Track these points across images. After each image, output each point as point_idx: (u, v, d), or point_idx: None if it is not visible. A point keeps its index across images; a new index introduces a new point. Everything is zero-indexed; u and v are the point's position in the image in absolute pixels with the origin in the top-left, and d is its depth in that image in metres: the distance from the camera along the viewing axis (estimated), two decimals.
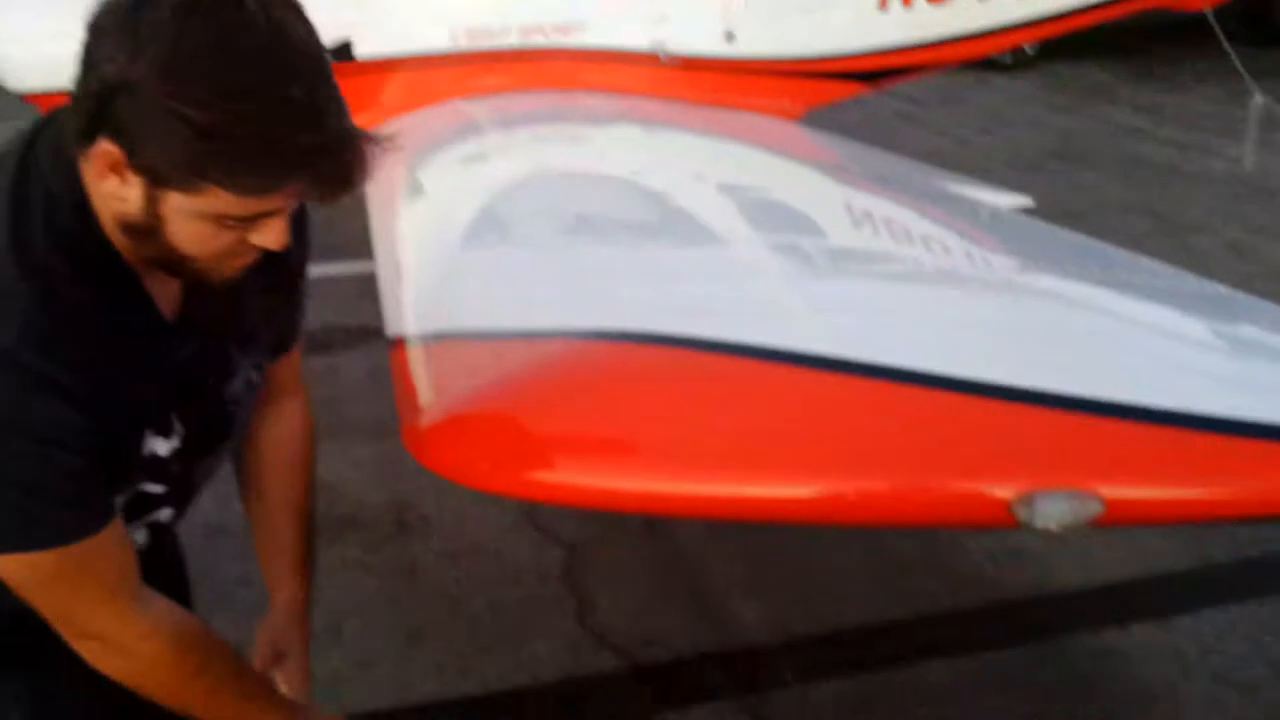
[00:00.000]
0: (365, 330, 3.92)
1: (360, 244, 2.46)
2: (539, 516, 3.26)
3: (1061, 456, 1.24)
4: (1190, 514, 1.31)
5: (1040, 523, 1.17)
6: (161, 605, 1.22)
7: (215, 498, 1.49)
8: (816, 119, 3.66)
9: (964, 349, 1.43)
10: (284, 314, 1.38)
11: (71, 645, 1.19)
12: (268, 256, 1.13)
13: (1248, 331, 1.75)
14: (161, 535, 1.32)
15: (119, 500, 1.17)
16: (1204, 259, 4.96)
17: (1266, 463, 1.24)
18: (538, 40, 3.17)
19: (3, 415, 1.02)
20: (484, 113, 2.71)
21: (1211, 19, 4.78)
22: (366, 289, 2.40)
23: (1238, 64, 4.65)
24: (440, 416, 1.33)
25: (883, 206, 2.11)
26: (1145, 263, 1.97)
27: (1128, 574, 3.08)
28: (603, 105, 2.96)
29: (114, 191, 1.02)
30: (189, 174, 0.99)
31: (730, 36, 3.35)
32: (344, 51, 3.13)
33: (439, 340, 1.47)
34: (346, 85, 1.03)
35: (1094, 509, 1.17)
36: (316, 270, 1.43)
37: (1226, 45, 4.77)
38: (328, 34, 1.05)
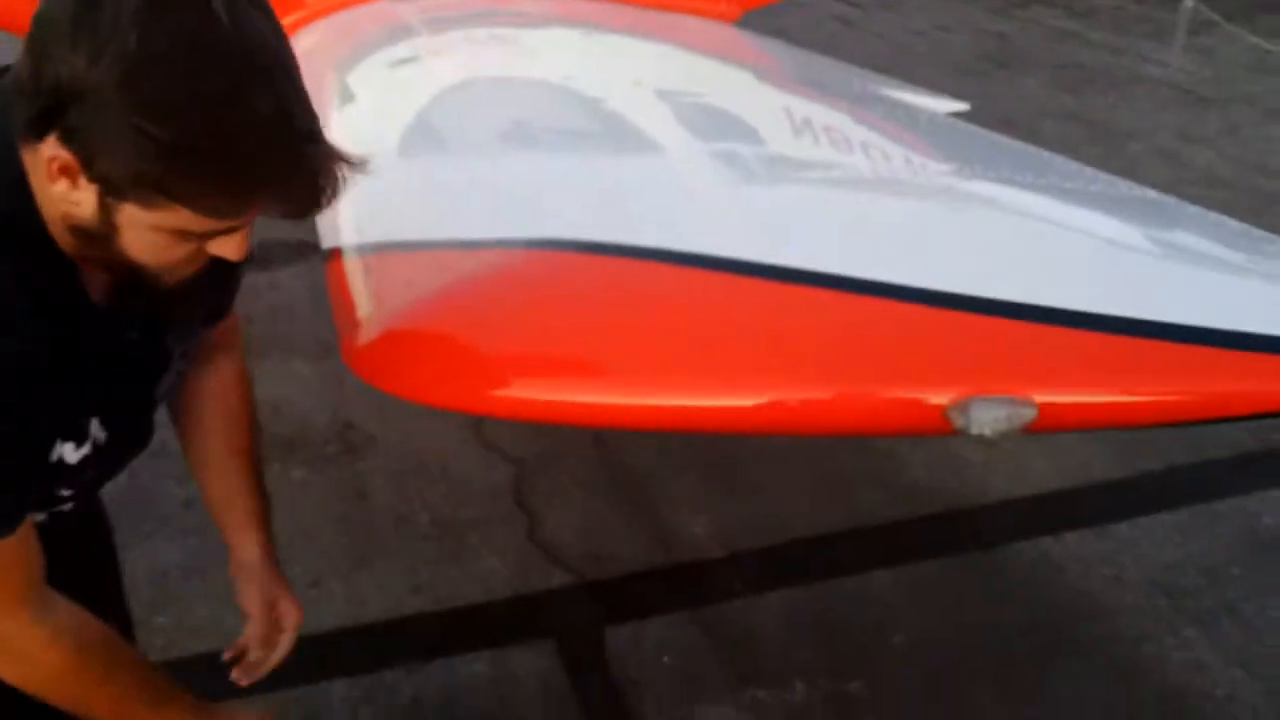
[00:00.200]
0: (305, 246, 3.84)
1: None
2: (487, 434, 3.26)
3: (996, 362, 1.25)
4: (1122, 419, 1.33)
5: (975, 429, 1.18)
6: (64, 611, 1.17)
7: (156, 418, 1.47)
8: (753, 22, 3.60)
9: (901, 255, 1.43)
10: (223, 291, 1.33)
11: None
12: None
13: (1181, 237, 1.77)
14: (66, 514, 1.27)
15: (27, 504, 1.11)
16: (1135, 165, 5.02)
17: (1198, 368, 1.26)
18: None
19: None
20: (414, 13, 2.63)
21: None
22: None
23: None
24: (379, 330, 1.31)
25: (821, 112, 2.10)
26: (1079, 168, 1.98)
27: (1062, 484, 3.16)
28: (536, 7, 2.89)
29: (64, 195, 0.96)
30: (150, 190, 0.93)
31: None
32: None
33: (376, 252, 1.44)
34: None
35: (1028, 415, 1.18)
36: None
37: None
38: None
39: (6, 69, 1.06)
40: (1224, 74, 6.34)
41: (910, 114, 2.42)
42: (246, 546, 1.48)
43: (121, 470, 1.29)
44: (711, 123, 2.06)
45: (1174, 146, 5.39)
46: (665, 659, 2.50)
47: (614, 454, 3.23)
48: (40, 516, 1.20)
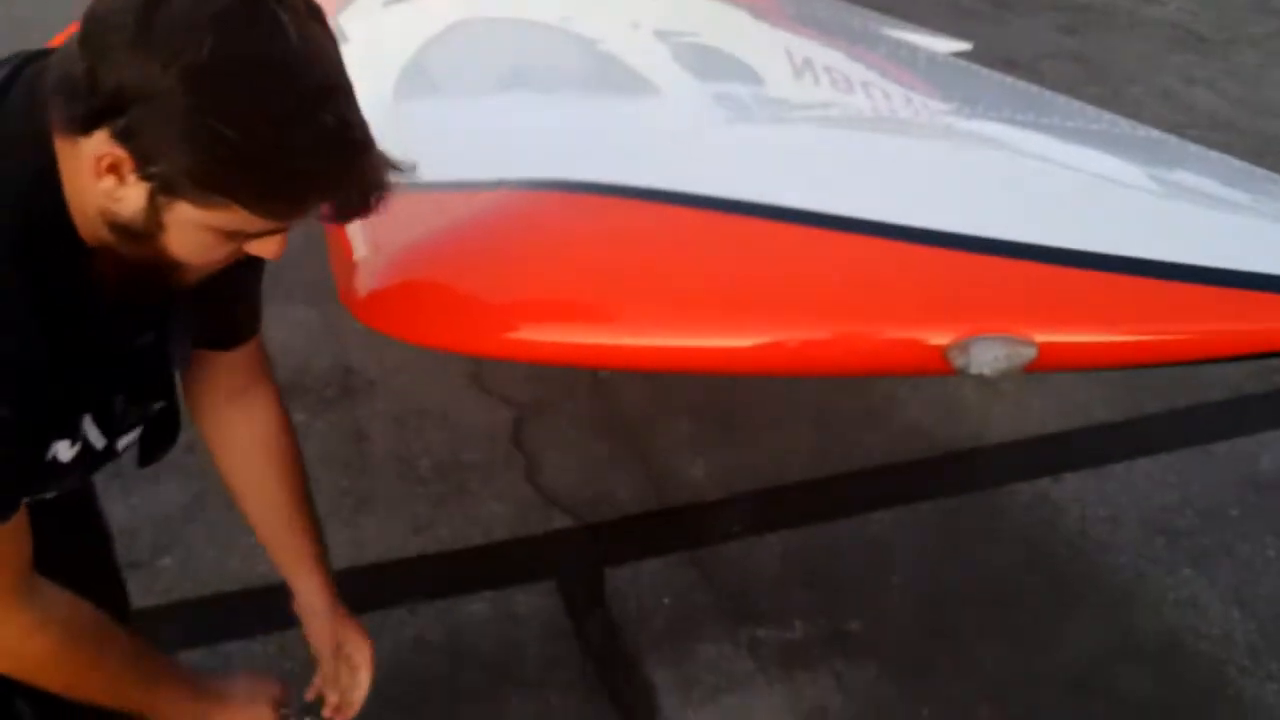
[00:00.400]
0: None
1: None
2: (486, 379, 3.26)
3: (996, 302, 1.24)
4: (1123, 359, 1.32)
5: (975, 369, 1.18)
6: (51, 597, 1.16)
7: None
8: None
9: (900, 195, 1.42)
10: (234, 308, 1.34)
11: None
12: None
13: (1182, 176, 1.75)
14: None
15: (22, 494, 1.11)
16: (1137, 106, 4.97)
17: (1199, 307, 1.26)
18: None
19: None
20: None
21: None
22: None
23: None
24: (376, 273, 1.31)
25: (821, 52, 2.07)
26: (1081, 107, 1.96)
27: (1061, 425, 3.17)
28: None
29: (109, 191, 0.97)
30: (211, 191, 0.95)
31: None
32: None
33: None
34: None
35: (1028, 354, 1.18)
36: None
37: None
38: None
39: (34, 56, 1.05)
40: (1226, 15, 6.26)
41: (911, 53, 2.39)
42: (307, 591, 1.49)
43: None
44: (710, 63, 2.04)
45: (1175, 88, 5.33)
46: (664, 599, 2.53)
47: (611, 398, 3.24)
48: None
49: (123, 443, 1.25)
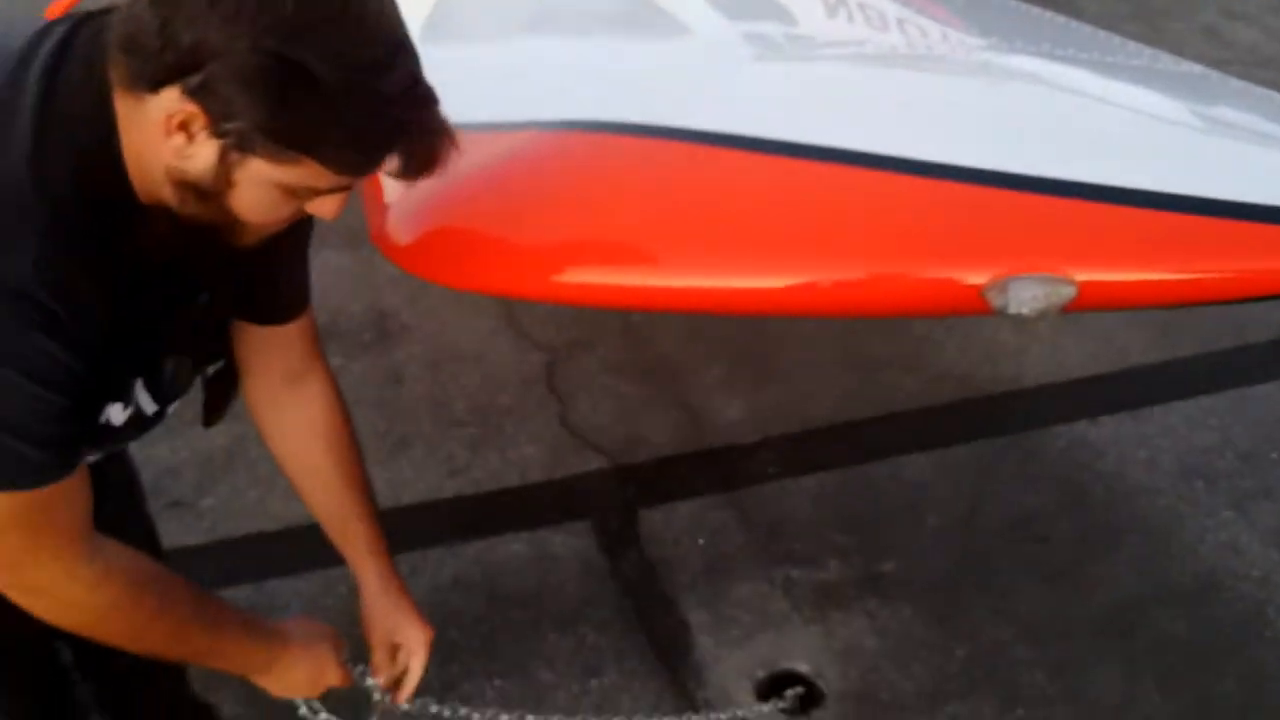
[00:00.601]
0: None
1: None
2: (519, 322, 3.27)
3: (1036, 240, 1.22)
4: (1164, 297, 1.30)
5: (1014, 308, 1.16)
6: (112, 550, 1.16)
7: None
8: None
9: (937, 132, 1.39)
10: (285, 276, 1.33)
11: (13, 599, 1.13)
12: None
13: (1224, 112, 1.71)
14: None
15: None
16: (1178, 43, 4.84)
17: (1242, 243, 1.23)
18: None
19: (9, 349, 0.97)
20: None
21: None
22: None
23: None
24: (408, 214, 1.31)
25: None
26: (1121, 42, 1.92)
27: (1099, 368, 3.14)
28: None
29: (178, 148, 0.97)
30: (287, 146, 0.95)
31: None
32: None
33: None
34: None
35: (1068, 293, 1.16)
36: None
37: None
38: None
39: (92, 15, 1.05)
40: None
41: None
42: (365, 578, 1.49)
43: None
44: (741, 2, 2.00)
45: (1217, 24, 5.18)
46: (699, 540, 2.54)
47: (644, 341, 3.24)
48: None
49: (172, 408, 1.26)
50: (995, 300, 1.17)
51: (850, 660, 2.25)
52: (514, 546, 2.52)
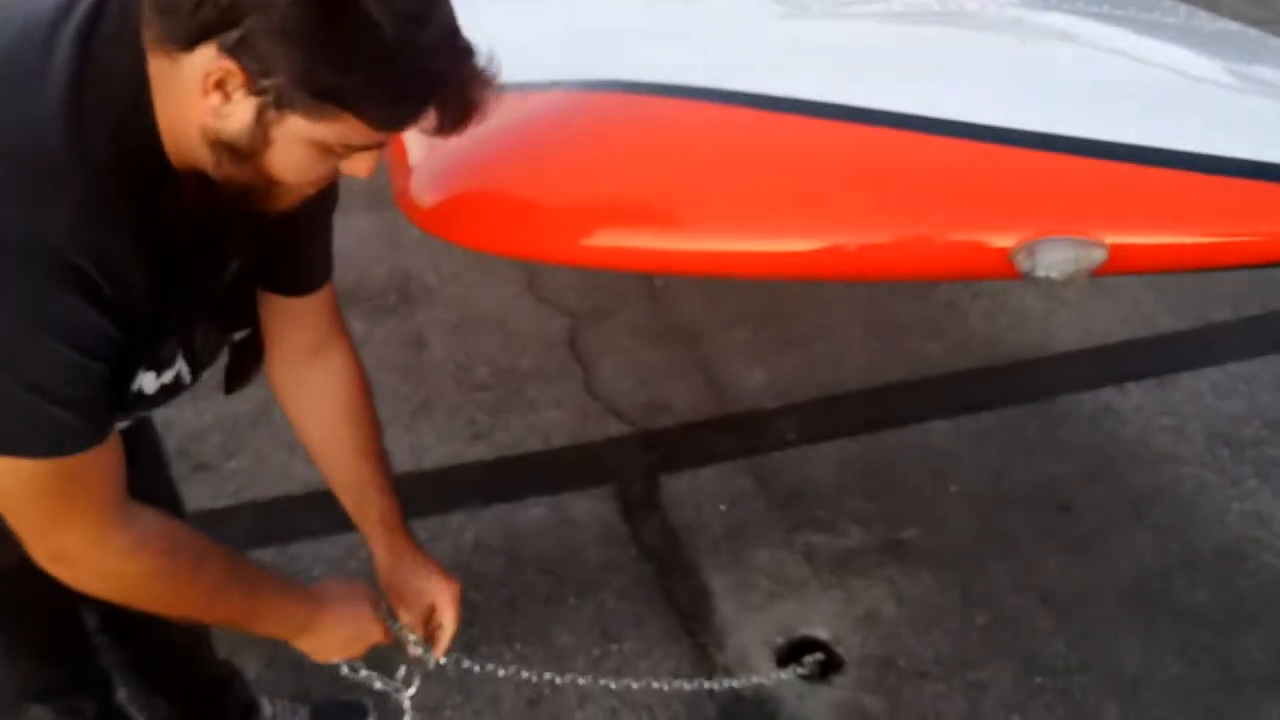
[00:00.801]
0: None
1: None
2: (542, 286, 3.27)
3: (1065, 202, 1.20)
4: (1195, 261, 1.27)
5: (1042, 272, 1.14)
6: (145, 517, 1.15)
7: None
8: None
9: (966, 91, 1.36)
10: (309, 245, 1.32)
11: (42, 565, 1.11)
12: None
13: (1264, 71, 1.67)
14: None
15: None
16: (1215, 1, 4.76)
17: (1276, 206, 1.21)
18: None
19: (39, 313, 0.96)
20: None
21: None
22: None
23: None
24: (432, 176, 1.30)
25: None
26: (1158, 0, 1.88)
27: (1127, 335, 3.11)
28: None
29: (214, 108, 0.96)
30: (326, 101, 0.94)
31: None
32: None
33: None
34: None
35: (1098, 256, 1.14)
36: None
37: None
38: None
39: None
40: None
41: None
42: (382, 550, 1.47)
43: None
44: None
45: None
46: (720, 506, 2.54)
47: (668, 306, 3.23)
48: None
49: (202, 375, 1.26)
50: (1023, 264, 1.15)
51: (870, 627, 2.25)
52: (535, 511, 2.53)
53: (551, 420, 2.81)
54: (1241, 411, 2.80)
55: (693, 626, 2.26)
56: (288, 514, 2.52)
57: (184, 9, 0.92)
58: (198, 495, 2.47)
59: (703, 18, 1.69)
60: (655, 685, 1.80)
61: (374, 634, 1.38)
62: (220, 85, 0.94)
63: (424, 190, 1.33)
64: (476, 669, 1.56)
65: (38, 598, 1.36)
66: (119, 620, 1.59)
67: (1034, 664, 2.17)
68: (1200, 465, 2.63)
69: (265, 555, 2.34)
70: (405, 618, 1.46)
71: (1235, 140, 1.26)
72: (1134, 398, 2.85)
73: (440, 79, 0.97)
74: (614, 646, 2.22)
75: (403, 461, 2.65)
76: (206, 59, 0.93)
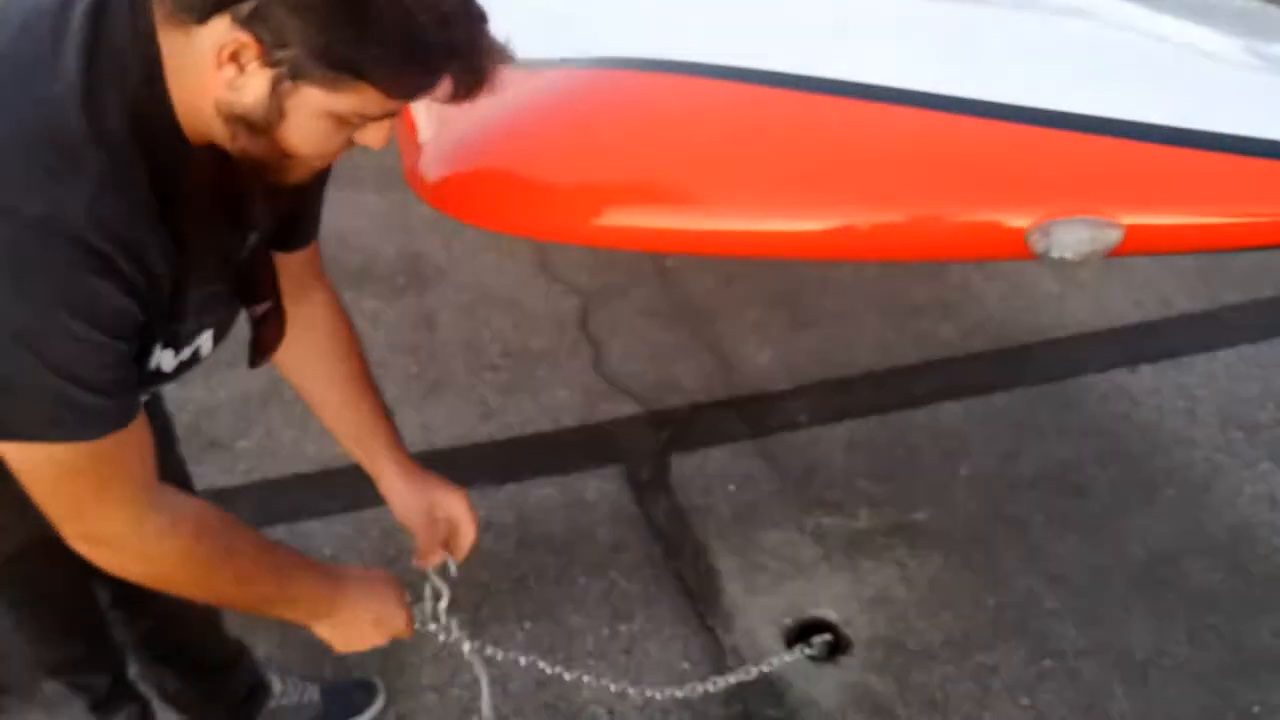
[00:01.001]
0: None
1: None
2: (553, 266, 3.26)
3: (1081, 182, 1.18)
4: (1212, 242, 1.26)
5: (1057, 252, 1.13)
6: (177, 499, 1.17)
7: None
8: None
9: (980, 68, 1.35)
10: (307, 208, 1.33)
11: (75, 548, 1.12)
12: None
13: None
14: None
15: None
16: None
17: None
18: None
19: (64, 299, 0.95)
20: None
21: None
22: None
23: None
24: (442, 153, 1.29)
25: None
26: None
27: (1140, 317, 3.09)
28: None
29: (229, 81, 0.95)
30: (341, 71, 0.93)
31: None
32: None
33: None
34: None
35: (1114, 237, 1.13)
36: None
37: None
38: None
39: None
40: None
41: None
42: (388, 472, 1.49)
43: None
44: None
45: None
46: (730, 486, 2.54)
47: (679, 286, 3.22)
48: None
49: (216, 349, 1.26)
50: (1038, 244, 1.13)
51: (879, 608, 2.25)
52: (546, 491, 2.53)
53: (562, 400, 2.81)
54: (1255, 394, 2.78)
55: (702, 607, 2.27)
56: (299, 492, 2.53)
57: None
58: (209, 473, 2.48)
59: None
60: (670, 694, 1.79)
61: (398, 622, 1.38)
62: (234, 58, 0.94)
63: (434, 168, 1.33)
64: (499, 655, 1.56)
65: (52, 575, 1.37)
66: (129, 596, 1.61)
67: (1043, 646, 2.17)
68: (1213, 448, 2.62)
69: (276, 533, 2.35)
70: (422, 532, 1.47)
71: (1254, 119, 1.24)
72: (1147, 380, 2.83)
73: (456, 47, 0.96)
74: (623, 627, 2.22)
75: (414, 441, 2.62)
76: (220, 31, 0.92)
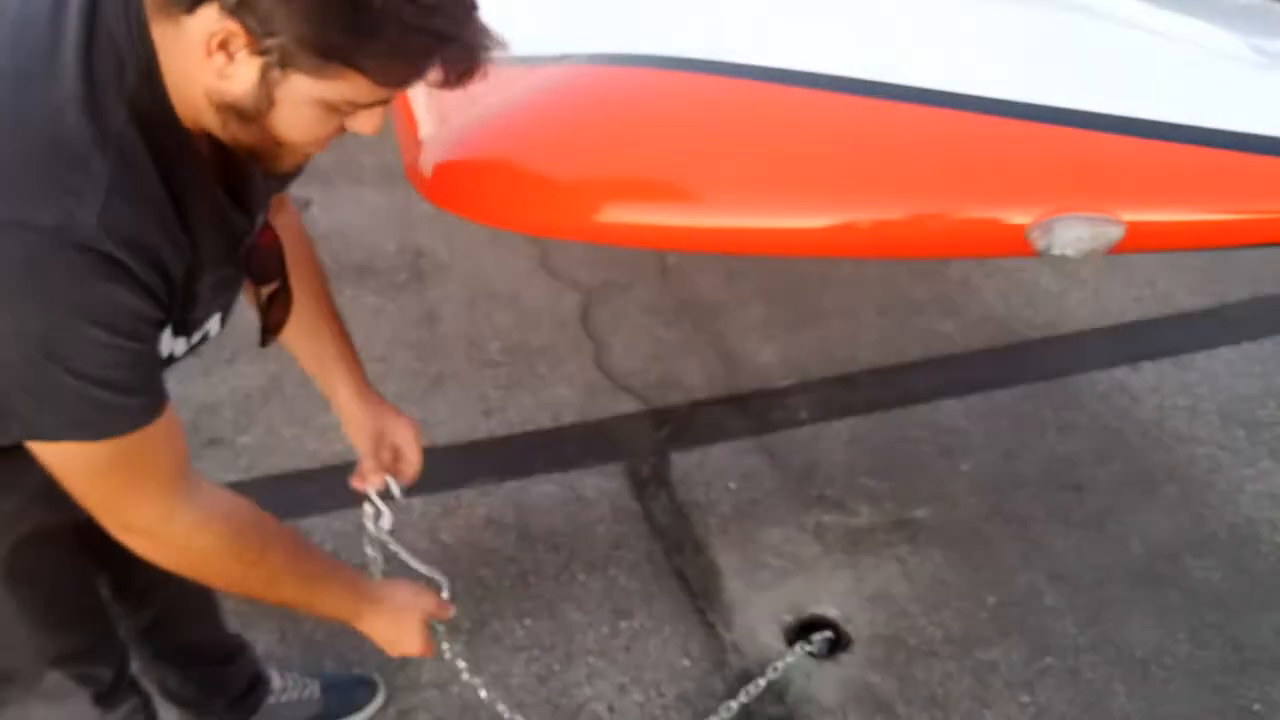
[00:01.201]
0: None
1: None
2: (554, 262, 3.26)
3: (1082, 178, 1.18)
4: (1214, 239, 1.26)
5: (1058, 249, 1.13)
6: (213, 494, 1.20)
7: None
8: None
9: (979, 65, 1.34)
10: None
11: (119, 539, 1.15)
12: None
13: None
14: None
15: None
16: None
17: None
18: None
19: (82, 303, 0.97)
20: None
21: None
22: None
23: None
24: (442, 149, 1.29)
25: None
26: None
27: (1141, 314, 3.09)
28: None
29: (218, 69, 0.95)
30: (329, 60, 0.93)
31: None
32: None
33: None
34: None
35: (1115, 234, 1.13)
36: None
37: None
38: None
39: None
40: None
41: None
42: (343, 389, 1.52)
43: None
44: None
45: None
46: (730, 484, 2.54)
47: (680, 283, 3.22)
48: None
49: (222, 338, 1.28)
50: (1039, 241, 1.13)
51: (879, 606, 2.25)
52: (546, 488, 2.53)
53: (563, 396, 2.81)
54: (1257, 392, 2.78)
55: (702, 604, 2.27)
56: (300, 488, 2.52)
57: None
58: (211, 470, 2.47)
59: None
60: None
61: (414, 647, 1.43)
62: (224, 46, 0.94)
63: (435, 164, 1.32)
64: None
65: (59, 564, 1.38)
66: (129, 590, 1.61)
67: (1044, 644, 2.17)
68: (1214, 446, 2.62)
69: None
70: (369, 458, 1.53)
71: (1256, 116, 1.24)
72: (1148, 377, 2.83)
73: (445, 35, 0.95)
74: (624, 624, 2.22)
75: None
76: (208, 20, 0.93)
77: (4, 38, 1.01)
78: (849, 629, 2.20)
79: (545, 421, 2.74)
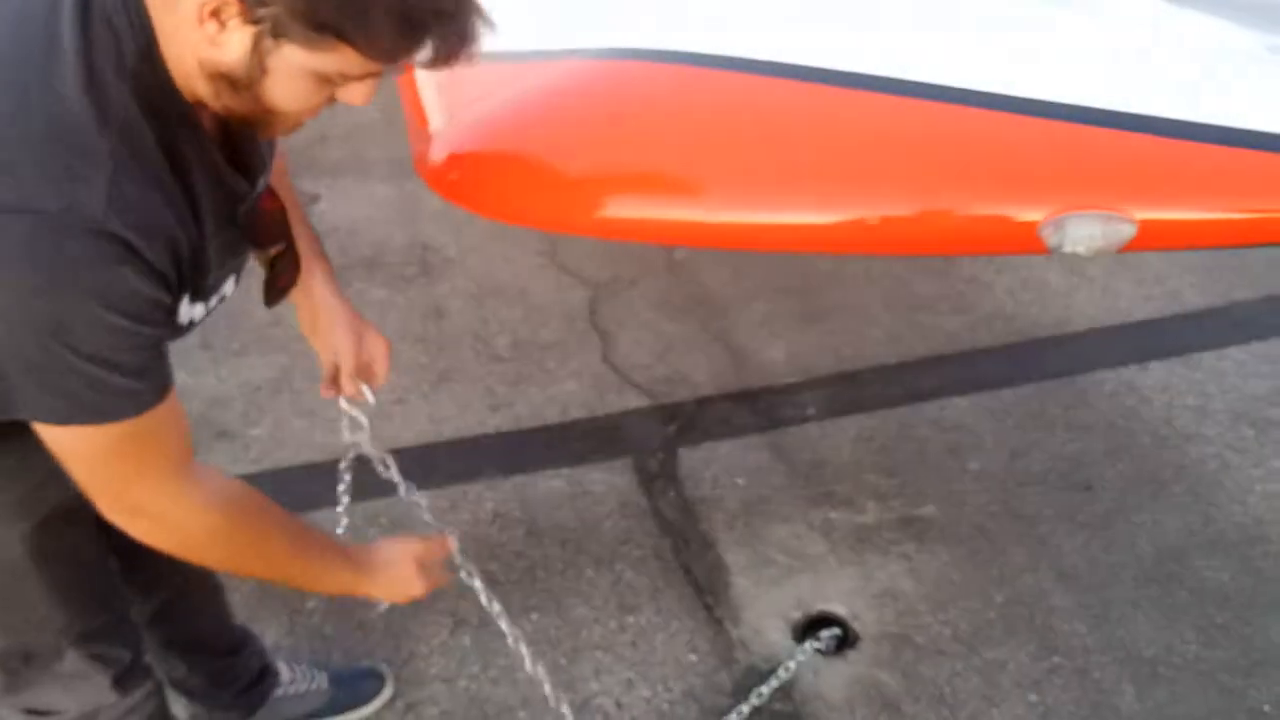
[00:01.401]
0: None
1: None
2: (562, 258, 3.26)
3: (1094, 176, 1.18)
4: (1226, 238, 1.25)
5: (1069, 247, 1.13)
6: (214, 477, 1.21)
7: None
8: None
9: (991, 62, 1.34)
10: None
11: (114, 521, 1.16)
12: None
13: None
14: None
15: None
16: None
17: None
18: None
19: (89, 286, 0.98)
20: None
21: None
22: None
23: None
24: (452, 143, 1.29)
25: None
26: None
27: (1151, 313, 3.08)
28: None
29: (210, 38, 0.96)
30: (321, 31, 0.93)
31: None
32: None
33: None
34: None
35: (1127, 232, 1.12)
36: None
37: None
38: None
39: None
40: None
41: None
42: (321, 289, 1.50)
43: None
44: None
45: None
46: (738, 480, 2.54)
47: (688, 278, 3.22)
48: None
49: (228, 337, 1.29)
50: (1050, 239, 1.13)
51: (886, 603, 2.24)
52: (554, 483, 2.53)
53: (570, 392, 2.81)
54: (1266, 391, 2.77)
55: (709, 600, 2.27)
56: (308, 481, 2.52)
57: None
58: (219, 462, 2.48)
59: None
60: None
61: (415, 589, 1.44)
62: (216, 14, 0.94)
63: (444, 159, 1.32)
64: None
65: (81, 544, 1.39)
66: (135, 578, 1.62)
67: (1051, 643, 2.16)
68: (1223, 445, 2.61)
69: None
70: (346, 360, 1.51)
71: (1268, 115, 1.23)
72: (1157, 376, 2.83)
73: (438, 10, 0.95)
74: (630, 619, 2.22)
75: (422, 432, 2.66)
76: None
77: (5, 26, 1.01)
78: (856, 626, 2.20)
79: (552, 416, 2.74)
